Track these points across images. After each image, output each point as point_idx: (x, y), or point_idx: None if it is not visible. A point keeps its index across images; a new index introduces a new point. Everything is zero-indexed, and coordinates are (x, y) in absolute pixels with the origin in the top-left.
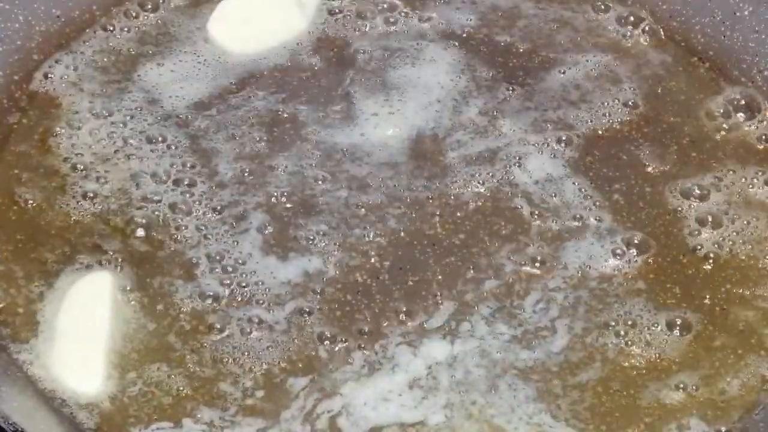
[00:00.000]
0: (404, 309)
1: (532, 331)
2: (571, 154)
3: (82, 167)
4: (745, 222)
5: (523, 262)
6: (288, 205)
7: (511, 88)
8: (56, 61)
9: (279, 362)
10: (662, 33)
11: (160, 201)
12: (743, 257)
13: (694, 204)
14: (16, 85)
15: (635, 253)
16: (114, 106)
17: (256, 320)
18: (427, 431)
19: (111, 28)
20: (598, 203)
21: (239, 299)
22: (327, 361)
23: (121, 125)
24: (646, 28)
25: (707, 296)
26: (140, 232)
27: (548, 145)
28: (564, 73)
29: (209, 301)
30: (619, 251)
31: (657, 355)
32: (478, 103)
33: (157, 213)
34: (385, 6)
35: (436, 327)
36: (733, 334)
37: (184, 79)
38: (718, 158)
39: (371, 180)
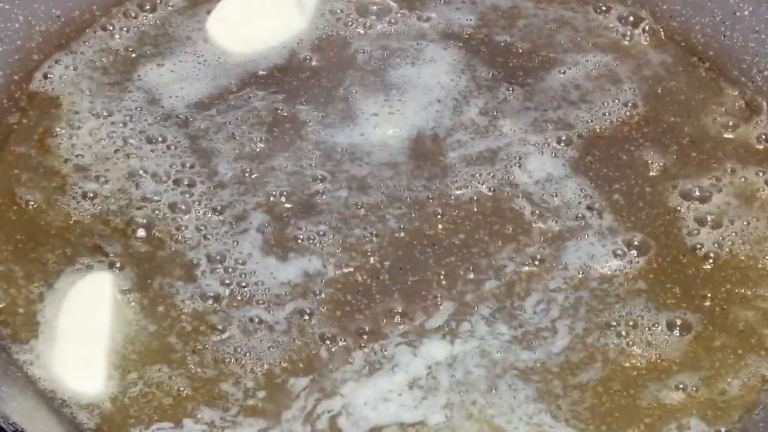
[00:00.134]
0: (404, 309)
1: (532, 331)
2: (571, 154)
3: (82, 167)
4: (745, 222)
5: (523, 263)
6: (288, 205)
7: (511, 88)
8: (56, 61)
9: (280, 362)
10: (662, 33)
11: (160, 201)
12: (743, 257)
13: (694, 204)
14: (16, 85)
15: (635, 254)
16: (114, 106)
17: (257, 321)
18: (427, 431)
19: (111, 28)
20: (598, 203)
21: (239, 300)
22: (327, 361)
23: (121, 125)
24: (646, 28)
25: (707, 296)
26: (140, 233)
27: (548, 145)
28: (564, 73)
29: (210, 301)
30: (619, 251)
31: (657, 356)
32: (479, 103)
33: (157, 213)
34: (385, 6)
35: (436, 327)
36: (733, 334)
37: (184, 79)
38: (718, 158)
39: (371, 180)
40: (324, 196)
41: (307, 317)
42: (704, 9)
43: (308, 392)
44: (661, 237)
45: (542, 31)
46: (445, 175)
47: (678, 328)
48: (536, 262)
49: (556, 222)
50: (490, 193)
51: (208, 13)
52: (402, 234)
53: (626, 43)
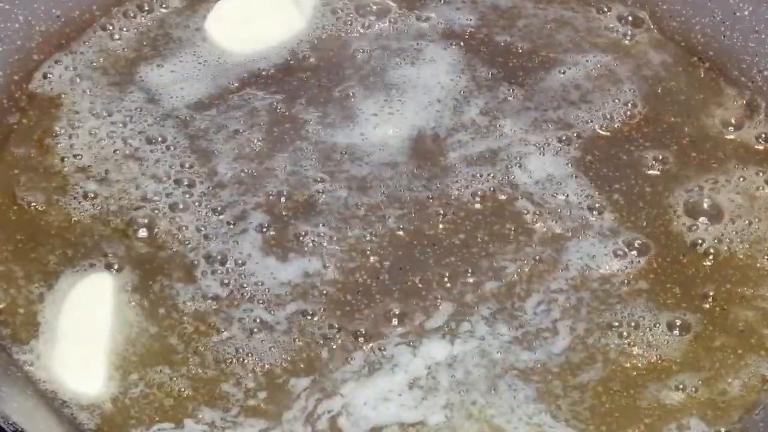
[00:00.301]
0: (404, 309)
1: (532, 332)
2: (571, 154)
3: (81, 167)
4: (746, 222)
5: (523, 263)
6: (288, 206)
7: (511, 88)
8: (56, 62)
9: (280, 363)
10: (662, 33)
11: (160, 201)
12: (743, 257)
13: (694, 204)
14: (16, 85)
15: (636, 254)
16: (114, 106)
17: (257, 321)
18: (427, 431)
19: (111, 29)
20: (598, 203)
21: (240, 300)
22: (327, 361)
23: (121, 125)
24: (646, 28)
25: (707, 296)
26: (140, 233)
27: (549, 145)
28: (564, 73)
29: (210, 301)
30: (620, 252)
31: (657, 356)
32: (479, 103)
33: (157, 213)
34: (385, 6)
35: (436, 327)
36: (733, 334)
37: (183, 79)
38: (718, 158)
39: (371, 180)
40: (324, 196)
41: (307, 317)
42: (704, 9)
43: (309, 392)
44: (661, 237)
45: (542, 31)
46: (446, 175)
47: (678, 328)
48: (537, 263)
49: (557, 222)
50: (491, 194)
51: (208, 13)
52: (402, 234)
53: (626, 43)
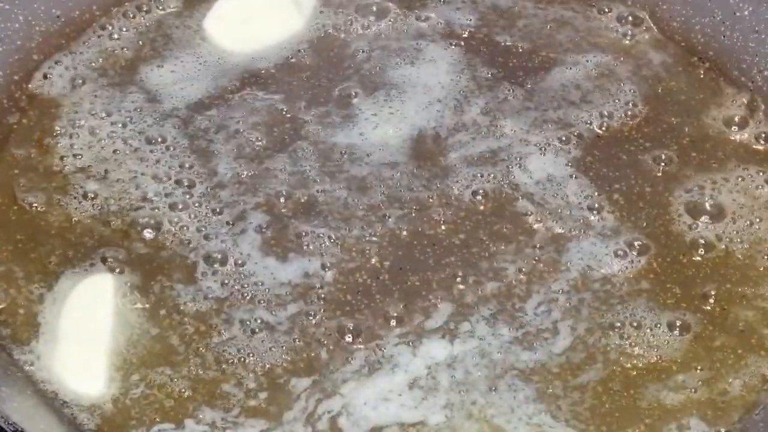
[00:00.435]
0: (404, 309)
1: (533, 332)
2: (571, 154)
3: (81, 168)
4: (746, 222)
5: (524, 263)
6: (288, 206)
7: (511, 88)
8: (56, 62)
9: (281, 363)
10: (662, 33)
11: (160, 201)
12: (743, 257)
13: (695, 204)
14: (16, 85)
15: (636, 254)
16: (114, 106)
17: (257, 321)
18: (428, 431)
19: (111, 29)
20: (598, 203)
21: (240, 300)
22: (327, 362)
23: (121, 126)
24: (646, 28)
25: (707, 296)
26: (140, 234)
27: (549, 146)
28: (564, 73)
29: (210, 302)
30: (620, 252)
31: (658, 356)
32: (479, 103)
33: (157, 214)
34: (384, 6)
35: (436, 327)
36: (733, 334)
37: (183, 79)
38: (718, 158)
39: (371, 180)
40: (324, 196)
41: (307, 318)
42: (704, 9)
43: (309, 393)
44: (661, 237)
45: (542, 31)
46: (446, 176)
47: (678, 329)
48: (537, 263)
49: (557, 222)
50: (491, 194)
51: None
52: (402, 234)
53: (626, 43)
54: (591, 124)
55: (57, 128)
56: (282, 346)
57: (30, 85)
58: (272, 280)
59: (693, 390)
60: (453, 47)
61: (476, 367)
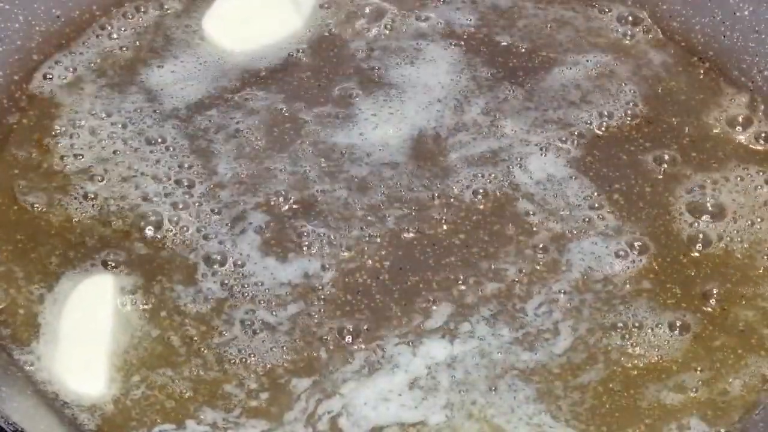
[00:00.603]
0: (404, 309)
1: (533, 333)
2: (572, 154)
3: (81, 168)
4: (746, 222)
5: (524, 263)
6: (288, 206)
7: (511, 89)
8: (56, 62)
9: (281, 363)
10: (662, 33)
11: (160, 202)
12: (743, 257)
13: (695, 204)
14: (16, 85)
15: (636, 254)
16: (113, 106)
17: (258, 322)
18: (428, 431)
19: (110, 29)
20: (598, 204)
21: (240, 301)
22: (327, 362)
23: (121, 126)
24: (646, 28)
25: (707, 296)
26: (141, 234)
27: (549, 146)
28: (564, 73)
29: (210, 302)
30: (621, 252)
31: (658, 356)
32: (479, 103)
33: (157, 214)
34: (384, 5)
35: (436, 327)
36: (733, 334)
37: (183, 79)
38: (718, 158)
39: (371, 180)
40: (324, 196)
41: (307, 318)
42: (704, 9)
43: (309, 393)
44: (661, 237)
45: (542, 31)
46: (446, 176)
47: (678, 329)
48: (537, 263)
49: (557, 223)
50: (492, 194)
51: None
52: (402, 234)
53: (626, 43)
54: (591, 124)
55: (57, 128)
56: (282, 347)
57: (30, 85)
58: (272, 280)
59: (693, 390)
60: (453, 47)
61: (476, 367)
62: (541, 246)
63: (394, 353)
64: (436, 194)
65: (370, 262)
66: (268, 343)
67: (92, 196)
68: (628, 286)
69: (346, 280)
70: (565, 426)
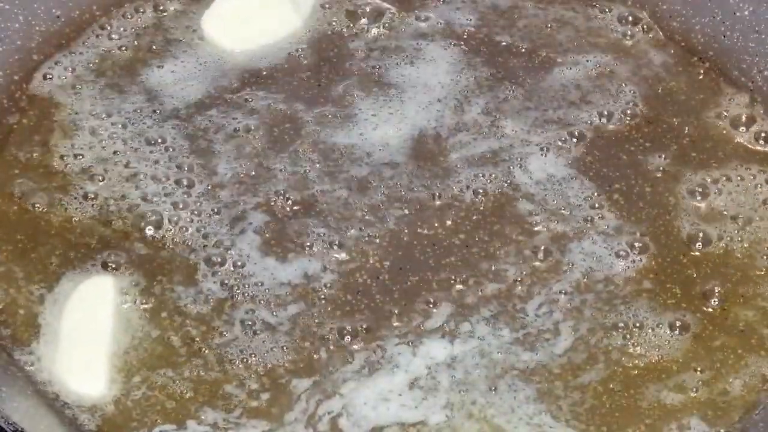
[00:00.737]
0: (404, 309)
1: (534, 333)
2: (571, 154)
3: (81, 168)
4: (746, 222)
5: (524, 264)
6: (287, 206)
7: (511, 89)
8: (56, 62)
9: (281, 363)
10: (662, 33)
11: (159, 202)
12: (743, 257)
13: (695, 204)
14: (16, 85)
15: (636, 254)
16: (113, 107)
17: (258, 322)
18: (428, 431)
19: (110, 29)
20: (598, 204)
21: (241, 301)
22: (327, 362)
23: (121, 126)
24: (646, 29)
25: (707, 296)
26: (141, 234)
27: (549, 146)
28: (564, 73)
29: (211, 303)
30: (621, 252)
31: (659, 356)
32: (480, 103)
33: (157, 214)
34: (384, 5)
35: (436, 327)
36: (733, 334)
37: (183, 79)
38: (718, 158)
39: (371, 180)
40: (324, 197)
41: (307, 318)
42: (704, 9)
43: (309, 393)
44: (661, 237)
45: (542, 31)
46: (446, 176)
47: (678, 329)
48: (537, 263)
49: (558, 222)
50: (492, 194)
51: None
52: (402, 234)
53: (626, 43)
54: (591, 124)
55: (57, 128)
56: (283, 347)
57: (30, 85)
58: (272, 280)
59: (693, 390)
60: (453, 47)
61: (476, 367)
62: (541, 246)
63: (394, 353)
64: (437, 194)
65: (370, 262)
66: (269, 343)
67: (92, 196)
68: (629, 286)
69: (346, 280)
70: (566, 426)
